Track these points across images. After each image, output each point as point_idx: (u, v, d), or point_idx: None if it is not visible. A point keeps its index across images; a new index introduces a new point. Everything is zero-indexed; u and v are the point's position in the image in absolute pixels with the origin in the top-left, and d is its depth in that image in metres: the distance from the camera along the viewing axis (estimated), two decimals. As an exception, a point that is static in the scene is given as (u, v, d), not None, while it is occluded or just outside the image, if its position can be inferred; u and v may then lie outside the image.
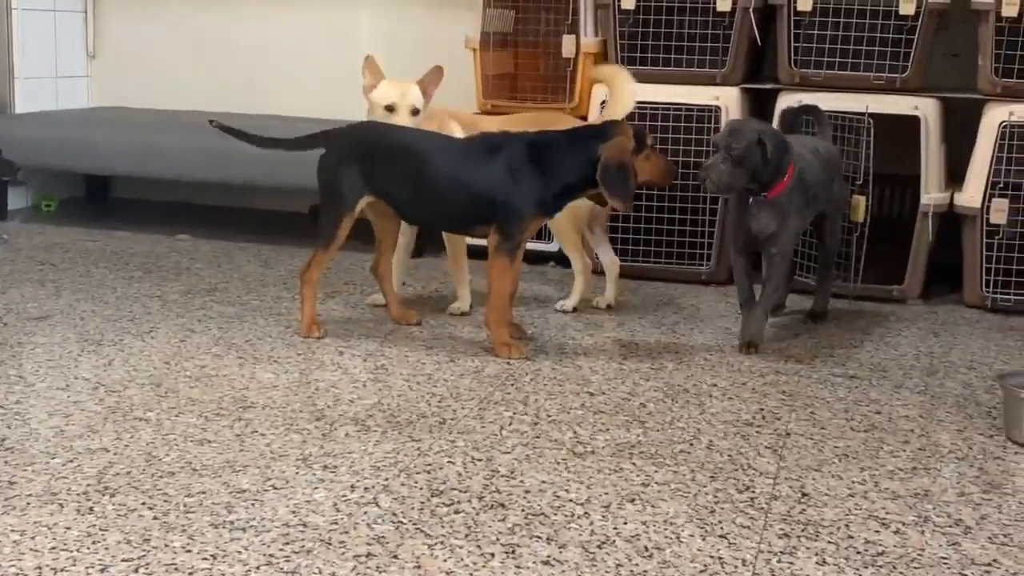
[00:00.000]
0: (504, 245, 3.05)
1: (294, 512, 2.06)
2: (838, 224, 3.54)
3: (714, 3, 4.02)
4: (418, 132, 3.25)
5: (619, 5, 4.11)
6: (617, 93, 3.52)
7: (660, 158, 3.10)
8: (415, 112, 3.37)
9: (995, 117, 3.74)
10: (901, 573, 1.92)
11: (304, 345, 3.12)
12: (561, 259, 4.23)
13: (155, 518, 2.02)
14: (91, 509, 2.05)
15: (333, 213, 3.15)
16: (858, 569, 1.92)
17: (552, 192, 3.04)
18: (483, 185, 3.03)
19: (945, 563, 1.96)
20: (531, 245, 4.23)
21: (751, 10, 3.99)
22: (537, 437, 2.49)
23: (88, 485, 2.15)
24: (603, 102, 4.04)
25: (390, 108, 3.36)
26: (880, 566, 1.94)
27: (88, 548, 1.90)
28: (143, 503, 2.08)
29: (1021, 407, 2.55)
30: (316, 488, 2.17)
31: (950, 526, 2.11)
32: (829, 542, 2.02)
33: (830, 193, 3.37)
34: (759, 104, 4.24)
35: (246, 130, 3.32)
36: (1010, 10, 3.69)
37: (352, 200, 3.13)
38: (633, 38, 4.12)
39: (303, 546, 1.93)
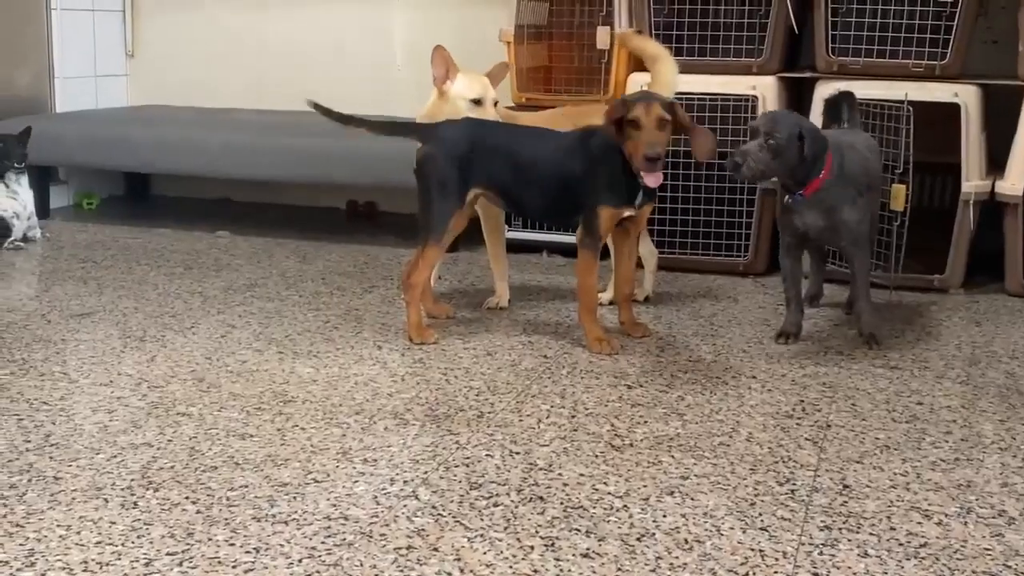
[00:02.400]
0: (586, 239, 3.07)
1: (335, 505, 2.08)
2: (875, 212, 3.44)
3: (750, -9, 4.00)
4: (518, 126, 3.28)
5: (654, -5, 4.09)
6: (658, 78, 3.46)
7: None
8: (496, 104, 3.38)
9: (1036, 103, 3.69)
10: (944, 565, 1.90)
11: (343, 340, 3.14)
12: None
13: (198, 512, 2.05)
14: (135, 504, 2.07)
15: (442, 208, 3.10)
16: (900, 561, 1.91)
17: (628, 180, 3.01)
18: (573, 177, 3.06)
19: (988, 554, 1.94)
20: (569, 238, 4.24)
21: (787, -2, 3.96)
22: (575, 430, 2.49)
23: (132, 480, 2.18)
24: (639, 93, 4.03)
25: (477, 101, 3.33)
26: (923, 558, 1.92)
27: (132, 542, 1.92)
28: (186, 497, 2.11)
29: (1065, 397, 2.52)
30: (356, 481, 2.19)
31: (993, 517, 2.09)
32: (871, 534, 2.01)
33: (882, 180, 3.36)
34: (797, 93, 4.21)
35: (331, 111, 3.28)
36: (1051, -6, 3.64)
37: (463, 192, 3.12)
38: (668, 28, 4.09)
39: (344, 539, 1.95)
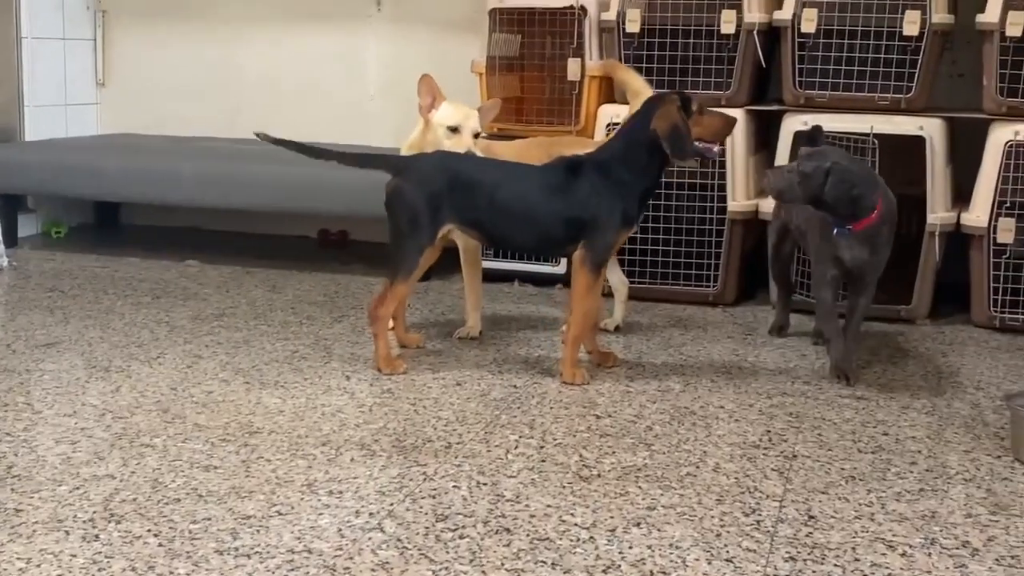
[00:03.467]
0: (590, 263, 3.06)
1: (299, 538, 2.06)
2: None
3: (719, 25, 4.04)
4: (495, 160, 3.25)
5: (624, 28, 4.13)
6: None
7: (713, 116, 3.12)
8: (477, 136, 3.35)
9: (1000, 136, 3.74)
10: (908, 596, 1.91)
11: (311, 370, 3.13)
12: (568, 281, 4.23)
13: (160, 545, 2.03)
14: (97, 536, 2.05)
15: (414, 244, 3.08)
16: (864, 592, 1.92)
17: (634, 200, 3.06)
18: (572, 207, 3.05)
19: (952, 586, 1.95)
20: (540, 268, 4.25)
21: (755, 32, 4.00)
22: (543, 461, 2.49)
23: (94, 512, 2.15)
24: (609, 124, 4.06)
25: (454, 129, 3.31)
26: (887, 589, 1.93)
27: None
28: (148, 530, 2.09)
29: (1029, 427, 2.54)
30: (321, 514, 2.17)
31: (957, 548, 2.10)
32: (835, 565, 2.01)
33: None
34: (765, 125, 4.25)
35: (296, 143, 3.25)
36: (1014, 30, 3.70)
37: (435, 228, 3.08)
38: (638, 61, 4.13)
39: (307, 572, 1.93)
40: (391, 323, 3.40)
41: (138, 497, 2.23)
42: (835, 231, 3.09)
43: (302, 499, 2.24)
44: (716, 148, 3.10)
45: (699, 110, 3.08)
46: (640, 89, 3.55)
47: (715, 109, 3.21)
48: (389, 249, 3.14)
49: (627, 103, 3.67)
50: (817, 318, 3.29)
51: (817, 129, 3.53)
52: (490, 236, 3.17)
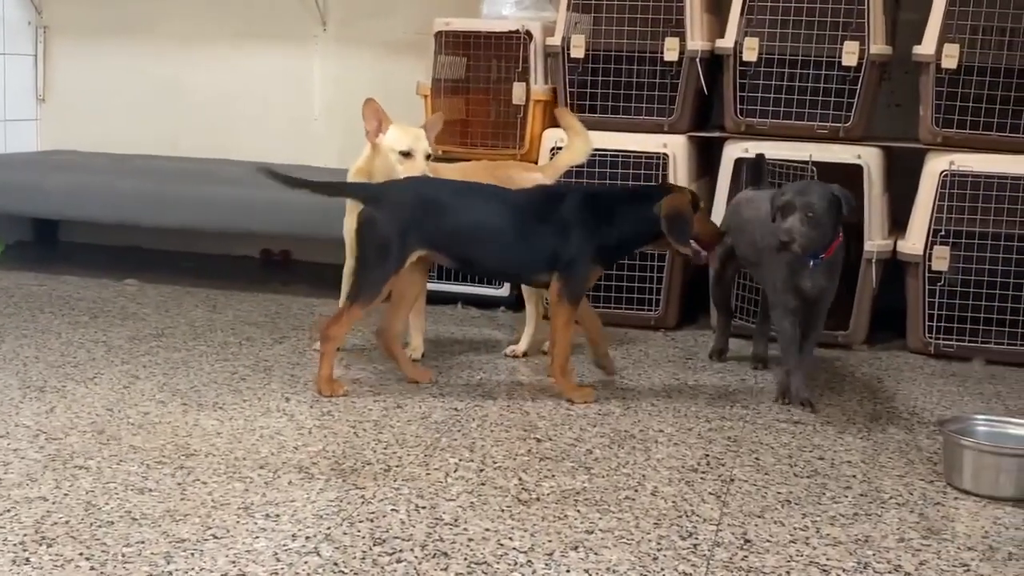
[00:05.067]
0: (568, 296, 3.09)
1: (234, 562, 2.04)
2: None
3: (662, 53, 4.09)
4: (470, 184, 3.26)
5: (569, 53, 4.16)
6: (572, 148, 3.63)
7: (711, 222, 3.24)
8: (428, 157, 3.34)
9: (936, 166, 3.81)
10: (840, 620, 1.93)
11: (250, 391, 3.10)
12: (512, 304, 4.25)
13: (92, 568, 1.99)
14: (27, 560, 2.01)
15: (380, 270, 3.05)
16: (798, 616, 1.93)
17: (611, 244, 3.12)
18: (545, 237, 3.08)
19: (884, 609, 1.98)
20: (484, 290, 4.25)
21: (698, 60, 4.05)
22: (482, 484, 2.49)
23: (25, 535, 2.11)
24: (553, 148, 4.09)
25: (406, 153, 3.28)
26: (820, 613, 1.95)
27: (21, 600, 1.87)
28: (80, 553, 2.05)
29: (961, 453, 2.58)
30: (257, 537, 2.15)
31: (890, 572, 2.12)
32: (770, 589, 2.03)
33: None
34: (706, 153, 4.30)
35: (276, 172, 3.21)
36: (950, 62, 3.78)
37: (404, 256, 3.07)
38: (583, 86, 4.17)
39: (242, 597, 1.91)
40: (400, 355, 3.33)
41: (71, 520, 2.20)
42: (811, 263, 3.03)
43: (238, 522, 2.22)
44: (704, 254, 3.12)
45: (703, 212, 3.16)
46: (578, 130, 3.64)
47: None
48: (356, 273, 3.10)
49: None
50: (780, 348, 3.21)
51: (760, 157, 3.59)
52: (459, 260, 3.19)
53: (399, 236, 3.04)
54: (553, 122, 4.25)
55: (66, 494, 2.33)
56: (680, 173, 4.03)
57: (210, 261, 5.04)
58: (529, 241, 3.09)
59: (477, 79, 4.44)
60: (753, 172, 3.63)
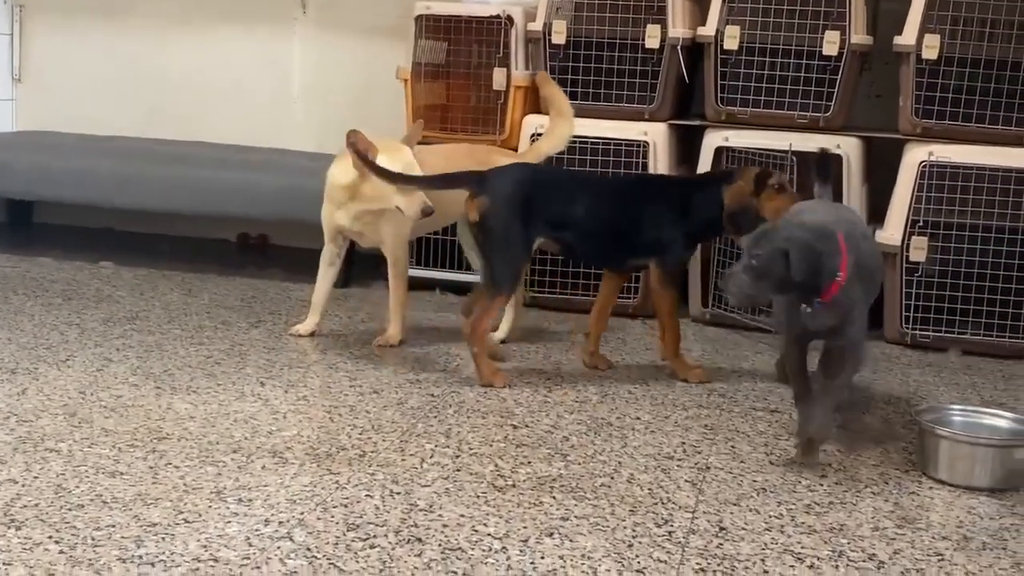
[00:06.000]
0: (667, 280, 3.21)
1: (205, 547, 2.02)
2: (864, 318, 2.78)
3: (643, 40, 4.07)
4: (578, 172, 3.38)
5: (550, 39, 4.14)
6: (554, 135, 3.60)
7: (783, 198, 3.14)
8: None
9: (915, 156, 3.81)
10: (814, 608, 1.93)
11: (224, 376, 3.08)
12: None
13: (61, 552, 1.97)
14: (-6, 543, 1.99)
15: (515, 260, 3.10)
16: (772, 604, 1.93)
17: (698, 230, 3.23)
18: (646, 223, 3.17)
19: (858, 598, 1.98)
20: (462, 276, 4.23)
21: (679, 47, 4.04)
22: (458, 470, 2.47)
23: (-7, 518, 2.09)
24: (534, 135, 4.06)
25: None
26: (794, 601, 1.95)
27: (-11, 584, 1.85)
28: (49, 536, 2.03)
29: (937, 443, 2.59)
30: (229, 522, 2.13)
31: (864, 560, 2.12)
32: (744, 577, 2.03)
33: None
34: (687, 140, 4.29)
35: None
36: (930, 52, 3.78)
37: (531, 242, 3.13)
38: (563, 72, 4.14)
39: (213, 581, 1.90)
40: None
41: (40, 503, 2.17)
42: (803, 307, 2.61)
43: (210, 507, 2.20)
44: None
45: (778, 187, 3.15)
46: (563, 109, 3.60)
47: (787, 188, 3.20)
48: (489, 264, 3.11)
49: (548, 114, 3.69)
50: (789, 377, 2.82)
51: (824, 152, 3.29)
52: (569, 247, 3.24)
53: (524, 223, 3.09)
54: (535, 108, 4.24)
55: (36, 477, 2.30)
56: (660, 161, 4.02)
57: (187, 244, 5.00)
58: (633, 227, 3.17)
59: (458, 64, 4.42)
60: (820, 170, 3.13)
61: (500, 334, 3.59)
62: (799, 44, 3.96)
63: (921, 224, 3.79)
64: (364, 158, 3.20)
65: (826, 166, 3.13)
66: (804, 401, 2.68)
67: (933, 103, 3.81)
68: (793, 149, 3.82)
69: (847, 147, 3.88)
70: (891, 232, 3.85)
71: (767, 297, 2.64)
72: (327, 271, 3.54)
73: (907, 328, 3.83)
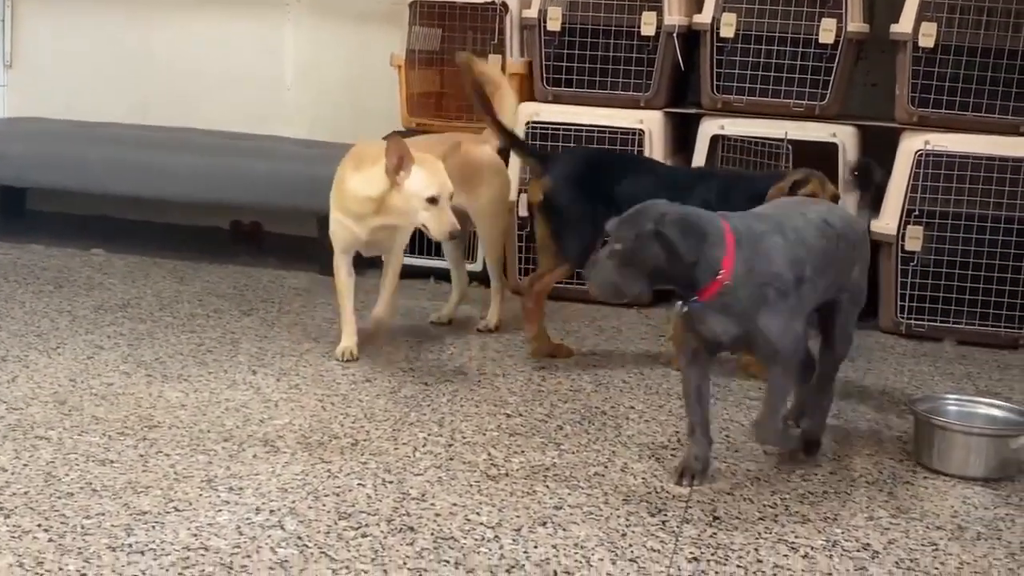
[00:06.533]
0: None
1: (195, 535, 2.01)
2: (852, 320, 2.65)
3: (639, 27, 4.05)
4: (633, 156, 3.42)
5: (545, 26, 4.12)
6: (504, 105, 3.51)
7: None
8: (451, 196, 3.00)
9: (911, 145, 3.80)
10: (808, 598, 1.92)
11: (216, 364, 3.06)
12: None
13: (50, 540, 1.96)
14: (-17, 531, 1.98)
15: (584, 234, 3.09)
16: (766, 594, 1.92)
17: None
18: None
19: (852, 587, 1.97)
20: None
21: (675, 35, 4.02)
22: (451, 459, 2.46)
23: (-19, 506, 2.08)
24: (529, 123, 4.04)
25: (433, 200, 2.93)
26: (788, 591, 1.94)
27: (-24, 572, 1.83)
28: (39, 524, 2.01)
29: (932, 432, 2.58)
30: (220, 511, 2.12)
31: (858, 550, 2.11)
32: (738, 566, 2.02)
33: (844, 279, 2.53)
34: (683, 129, 4.27)
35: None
36: (926, 41, 3.76)
37: (599, 219, 3.07)
38: (559, 60, 4.12)
39: (203, 570, 1.88)
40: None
41: (29, 490, 2.16)
42: (679, 304, 2.32)
43: (201, 495, 2.18)
44: None
45: (808, 194, 2.94)
46: (499, 82, 3.55)
47: (818, 195, 2.96)
48: (558, 241, 3.18)
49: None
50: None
51: (868, 162, 3.17)
52: None
53: (592, 202, 3.10)
54: (529, 95, 4.21)
55: (25, 464, 2.28)
56: (656, 149, 4.00)
57: (179, 232, 4.97)
58: None
59: (452, 51, 4.37)
60: (862, 181, 3.05)
61: (493, 321, 3.58)
62: (795, 32, 3.94)
63: (917, 213, 3.78)
64: (493, 118, 3.29)
65: (867, 175, 3.03)
66: (693, 434, 2.41)
67: (929, 91, 3.79)
68: (789, 137, 3.80)
69: (843, 136, 3.86)
70: (887, 221, 3.83)
71: (636, 288, 2.27)
72: (349, 283, 3.20)
73: (902, 317, 3.82)
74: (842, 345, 2.65)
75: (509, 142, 3.36)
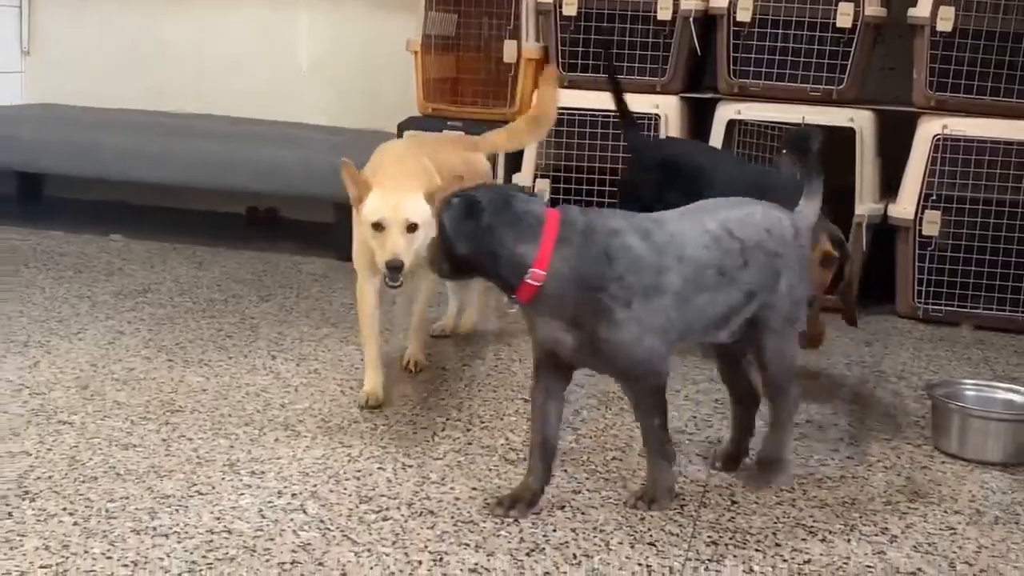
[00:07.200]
0: None
1: (218, 518, 2.03)
2: (786, 341, 2.26)
3: (655, 12, 4.04)
4: (713, 149, 3.43)
5: (561, 11, 4.11)
6: (521, 133, 3.28)
7: (820, 271, 2.70)
8: (411, 228, 2.54)
9: (929, 130, 3.79)
10: (827, 581, 1.93)
11: (236, 349, 3.08)
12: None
13: (75, 524, 1.98)
14: (10, 514, 2.00)
15: None
16: (784, 577, 1.93)
17: None
18: None
19: (870, 572, 1.97)
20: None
21: (691, 19, 4.01)
22: (469, 443, 2.48)
23: (8, 489, 2.10)
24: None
25: (377, 226, 2.54)
26: (806, 574, 1.95)
27: (4, 554, 1.85)
28: (64, 508, 2.04)
29: (949, 417, 2.58)
30: (242, 494, 2.14)
31: (876, 535, 2.12)
32: (756, 550, 2.03)
33: (766, 294, 2.19)
34: (699, 113, 4.27)
35: None
36: (945, 24, 3.75)
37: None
38: (574, 44, 4.12)
39: (226, 553, 1.90)
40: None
41: (54, 475, 2.18)
42: (508, 306, 2.22)
43: (223, 479, 2.20)
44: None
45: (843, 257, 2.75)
46: (543, 118, 3.20)
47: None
48: None
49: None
50: None
51: (800, 133, 2.50)
52: None
53: (657, 191, 3.05)
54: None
55: (49, 449, 2.31)
56: (672, 134, 4.00)
57: (196, 217, 4.99)
58: None
59: (468, 36, 4.40)
60: (797, 153, 2.25)
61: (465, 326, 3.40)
62: (812, 16, 3.92)
63: (935, 198, 3.77)
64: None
65: (802, 145, 2.34)
66: (536, 453, 2.15)
67: (947, 76, 3.78)
68: (805, 122, 3.79)
69: (860, 120, 3.85)
70: (904, 206, 3.83)
71: (456, 274, 2.09)
72: (373, 318, 2.78)
73: (919, 302, 3.82)
74: (777, 369, 2.26)
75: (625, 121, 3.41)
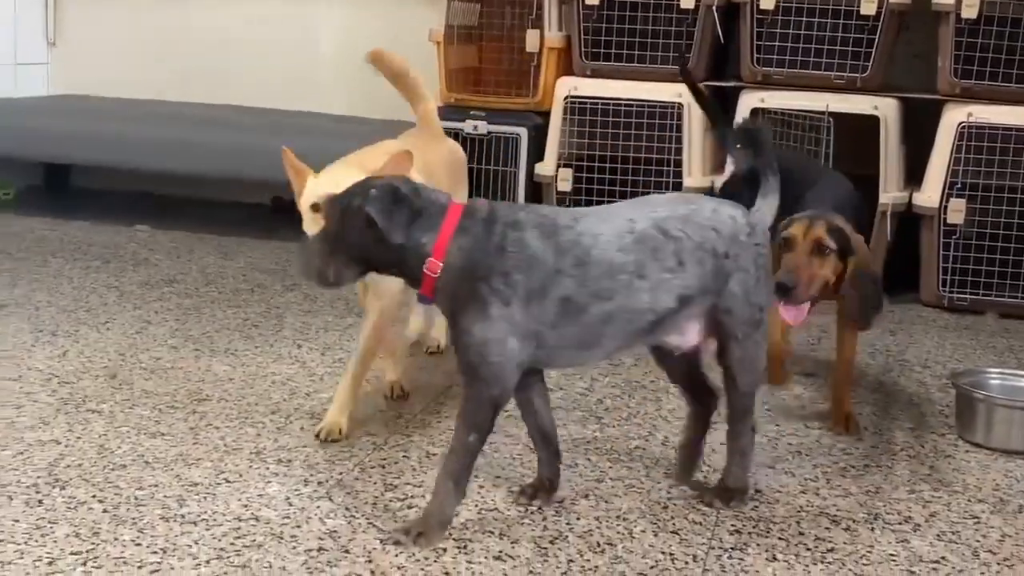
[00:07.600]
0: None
1: (246, 506, 2.05)
2: (750, 349, 2.10)
3: (678, 0, 4.03)
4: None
5: (583, 0, 4.11)
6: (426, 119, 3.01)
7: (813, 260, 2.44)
8: (315, 208, 2.37)
9: (954, 118, 3.77)
10: (850, 570, 1.93)
11: (262, 338, 3.10)
12: None
13: (105, 511, 2.01)
14: (40, 502, 2.03)
15: None
16: (807, 565, 1.94)
17: None
18: None
19: (894, 560, 1.98)
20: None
21: (714, 8, 4.00)
22: (493, 432, 2.48)
23: (38, 477, 2.13)
24: (567, 97, 4.05)
25: (315, 208, 2.38)
26: (830, 563, 1.95)
27: (36, 541, 1.88)
28: (93, 496, 2.06)
29: (974, 406, 2.58)
30: (269, 482, 2.16)
31: (900, 523, 2.13)
32: (780, 538, 2.03)
33: (716, 298, 2.05)
34: (723, 102, 4.25)
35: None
36: (970, 12, 3.73)
37: None
38: (597, 33, 4.12)
39: (254, 540, 1.92)
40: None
41: (83, 463, 2.21)
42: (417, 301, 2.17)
43: (250, 467, 2.23)
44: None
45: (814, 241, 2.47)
46: (419, 92, 3.00)
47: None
48: None
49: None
50: None
51: (759, 127, 2.43)
52: None
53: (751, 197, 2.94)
54: (568, 70, 4.22)
55: (79, 437, 2.34)
56: (695, 123, 4.00)
57: (221, 208, 5.02)
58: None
59: (490, 26, 4.40)
60: (746, 145, 2.21)
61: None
62: (836, 3, 3.92)
63: (959, 186, 3.76)
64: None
65: (755, 137, 2.20)
66: (536, 445, 2.15)
67: (972, 63, 3.76)
68: (830, 110, 3.78)
69: (884, 108, 3.84)
70: (929, 194, 3.81)
71: (344, 275, 1.96)
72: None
73: (944, 291, 3.80)
74: (743, 375, 2.11)
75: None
